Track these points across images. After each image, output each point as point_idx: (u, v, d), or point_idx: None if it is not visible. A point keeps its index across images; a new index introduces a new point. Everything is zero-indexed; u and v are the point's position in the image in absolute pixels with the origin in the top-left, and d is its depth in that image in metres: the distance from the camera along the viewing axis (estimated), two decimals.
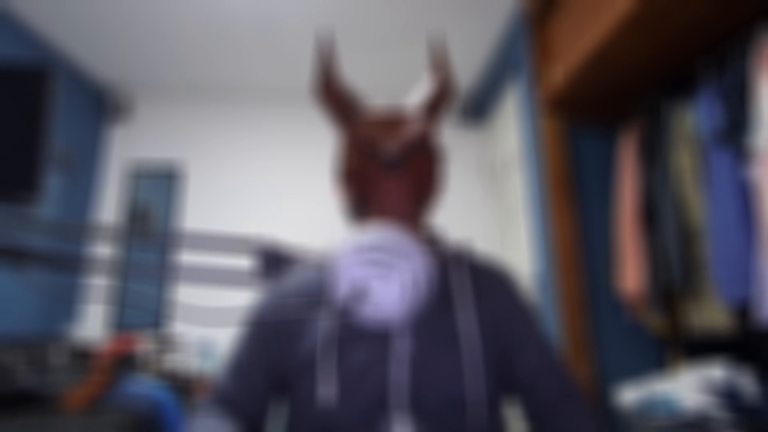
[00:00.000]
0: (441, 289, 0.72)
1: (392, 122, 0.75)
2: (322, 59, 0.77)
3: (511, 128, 2.41)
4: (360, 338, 0.68)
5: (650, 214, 1.60)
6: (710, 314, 1.39)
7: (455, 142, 2.95)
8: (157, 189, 2.79)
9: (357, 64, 2.66)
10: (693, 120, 1.45)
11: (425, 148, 0.75)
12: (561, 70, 1.80)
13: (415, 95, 0.81)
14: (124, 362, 1.95)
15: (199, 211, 2.77)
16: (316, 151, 2.53)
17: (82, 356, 2.07)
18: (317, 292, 0.75)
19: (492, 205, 2.79)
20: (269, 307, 0.75)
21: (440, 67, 0.79)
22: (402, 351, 0.67)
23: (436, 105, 0.77)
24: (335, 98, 0.76)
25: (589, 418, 0.71)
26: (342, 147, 0.77)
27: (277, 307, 0.75)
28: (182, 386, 2.06)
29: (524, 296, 0.79)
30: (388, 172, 0.71)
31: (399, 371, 0.66)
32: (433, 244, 0.78)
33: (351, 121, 0.76)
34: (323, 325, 0.70)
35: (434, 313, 0.70)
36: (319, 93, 0.76)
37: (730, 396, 1.25)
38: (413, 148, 0.73)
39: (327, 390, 0.65)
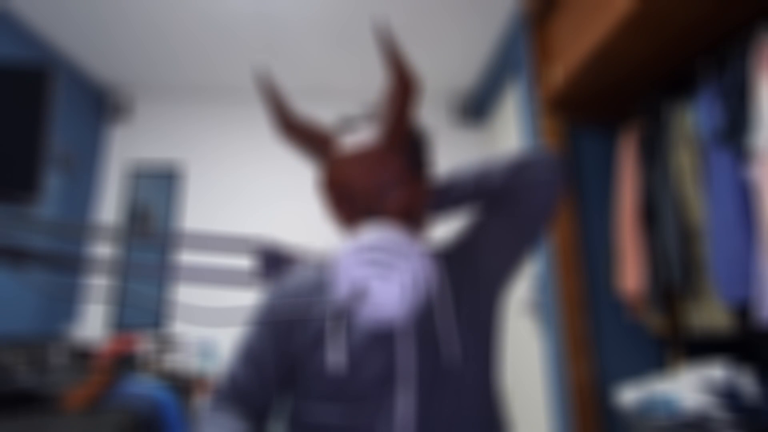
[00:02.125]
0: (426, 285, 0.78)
1: (361, 158, 0.70)
2: (271, 99, 0.73)
3: (511, 128, 2.41)
4: None
5: (650, 214, 1.60)
6: (710, 314, 1.39)
7: (455, 142, 2.95)
8: (157, 189, 2.79)
9: (356, 64, 2.66)
10: (693, 120, 1.45)
11: (401, 178, 0.71)
12: (561, 70, 1.80)
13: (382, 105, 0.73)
14: (124, 362, 1.95)
15: (199, 211, 2.77)
16: None
17: (82, 356, 2.07)
18: (319, 291, 0.77)
19: None
20: (279, 300, 0.79)
21: (391, 61, 0.67)
22: (406, 326, 0.71)
23: (399, 108, 0.68)
24: (297, 135, 0.73)
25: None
26: (320, 186, 0.75)
27: (286, 301, 0.78)
28: (182, 386, 2.06)
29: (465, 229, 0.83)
30: (366, 219, 0.71)
31: (405, 344, 0.70)
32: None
33: (321, 152, 0.73)
34: (331, 304, 0.74)
35: (418, 317, 0.75)
36: (278, 133, 0.74)
37: (730, 396, 1.25)
38: (390, 186, 0.71)
39: (337, 357, 0.70)
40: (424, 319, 0.73)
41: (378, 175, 0.70)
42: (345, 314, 0.72)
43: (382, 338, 0.71)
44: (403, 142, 0.71)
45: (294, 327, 0.75)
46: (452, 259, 0.80)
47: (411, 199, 0.73)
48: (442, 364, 0.70)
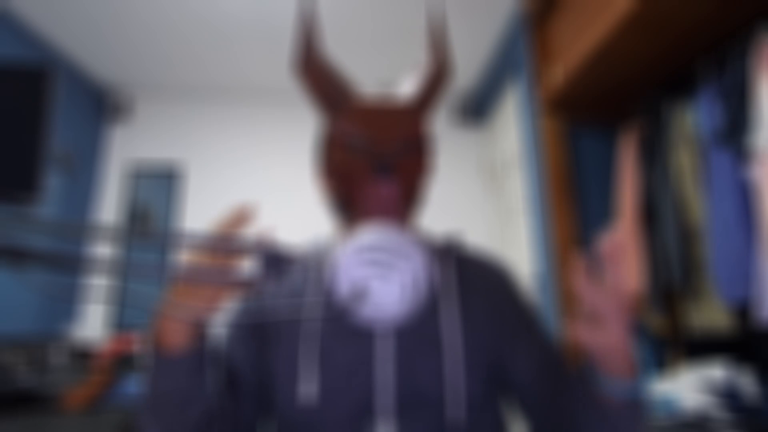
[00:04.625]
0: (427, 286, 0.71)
1: (384, 112, 0.66)
2: (304, 30, 0.67)
3: (511, 128, 2.41)
4: (342, 337, 0.66)
5: (650, 214, 1.60)
6: (710, 314, 1.39)
7: (455, 142, 2.95)
8: (157, 189, 2.79)
9: (357, 63, 2.66)
10: (693, 120, 1.45)
11: (418, 145, 0.68)
12: (561, 70, 1.80)
13: (411, 79, 0.73)
14: (124, 362, 1.95)
15: (199, 211, 2.77)
16: None
17: (82, 356, 2.07)
18: (304, 291, 0.71)
19: (492, 204, 2.79)
20: (254, 307, 0.72)
21: (438, 46, 0.72)
22: (386, 352, 0.65)
23: (432, 89, 0.69)
24: (317, 75, 0.67)
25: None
26: (325, 137, 0.69)
27: (264, 307, 0.71)
28: None
29: (517, 290, 0.75)
30: (378, 174, 0.63)
31: (384, 373, 0.64)
32: (423, 241, 0.75)
33: (336, 105, 0.67)
34: (304, 323, 0.68)
35: (418, 312, 0.68)
36: (298, 67, 0.67)
37: (730, 396, 1.25)
38: (406, 148, 0.66)
39: (308, 388, 0.64)
40: (423, 329, 0.67)
41: (400, 128, 0.66)
42: (346, 315, 0.69)
43: (358, 365, 0.64)
44: (427, 119, 0.70)
45: (267, 341, 0.68)
46: (471, 282, 0.72)
47: (420, 175, 0.68)
48: (446, 381, 0.64)
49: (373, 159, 0.64)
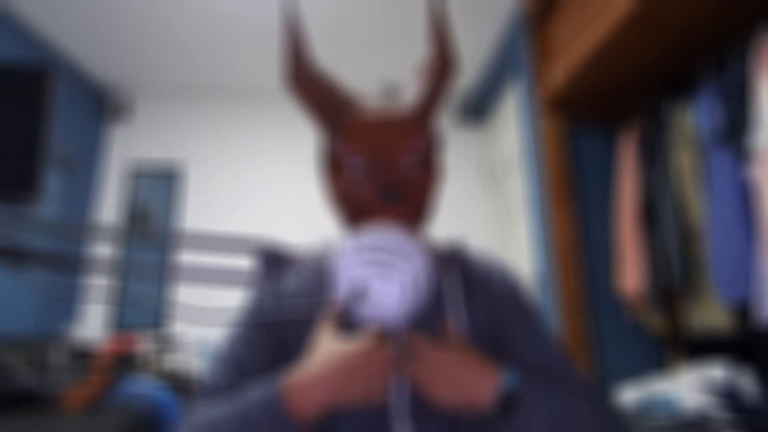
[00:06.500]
0: (434, 291, 0.70)
1: (387, 126, 0.63)
2: (290, 40, 0.64)
3: (511, 128, 2.41)
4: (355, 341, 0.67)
5: (650, 214, 1.60)
6: (710, 314, 1.39)
7: (455, 142, 2.95)
8: (157, 189, 2.79)
9: (356, 64, 2.66)
10: (693, 120, 1.45)
11: (426, 157, 0.65)
12: (561, 70, 1.80)
13: (416, 79, 0.71)
14: (124, 362, 1.95)
15: (199, 211, 2.77)
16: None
17: (82, 356, 2.07)
18: (315, 292, 0.70)
19: (492, 204, 2.79)
20: (268, 305, 0.70)
21: (441, 39, 0.68)
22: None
23: (438, 86, 0.66)
24: (310, 88, 0.64)
25: (594, 418, 0.65)
26: (328, 156, 0.67)
27: (276, 307, 0.69)
28: (182, 386, 2.06)
29: (521, 292, 0.74)
30: (386, 201, 0.61)
31: (398, 378, 0.64)
32: (426, 246, 0.75)
33: (336, 120, 0.65)
34: (316, 328, 0.66)
35: (426, 317, 0.68)
36: (289, 81, 0.64)
37: (730, 396, 1.25)
38: (414, 164, 0.64)
39: None
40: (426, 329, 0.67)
41: (405, 145, 0.63)
42: (345, 316, 0.69)
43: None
44: (433, 121, 0.67)
45: (286, 347, 0.66)
46: (475, 286, 0.72)
47: (429, 188, 0.67)
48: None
49: (380, 186, 0.62)
